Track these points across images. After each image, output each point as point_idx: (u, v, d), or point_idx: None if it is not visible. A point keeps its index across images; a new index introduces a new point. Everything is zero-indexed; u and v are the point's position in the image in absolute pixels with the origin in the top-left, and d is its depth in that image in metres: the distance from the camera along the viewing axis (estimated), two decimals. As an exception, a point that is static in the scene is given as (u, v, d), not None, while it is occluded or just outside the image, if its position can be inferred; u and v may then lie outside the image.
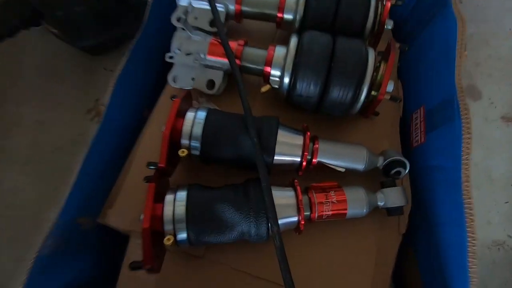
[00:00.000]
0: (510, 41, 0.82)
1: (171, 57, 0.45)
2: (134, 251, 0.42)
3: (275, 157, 0.39)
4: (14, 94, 0.75)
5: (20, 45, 0.78)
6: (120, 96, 0.46)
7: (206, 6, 0.48)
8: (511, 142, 0.71)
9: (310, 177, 0.41)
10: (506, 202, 0.67)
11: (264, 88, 0.45)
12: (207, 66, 0.46)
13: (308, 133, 0.40)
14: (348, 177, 0.41)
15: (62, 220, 0.38)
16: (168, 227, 0.35)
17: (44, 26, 0.70)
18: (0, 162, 0.69)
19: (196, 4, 0.48)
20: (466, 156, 0.39)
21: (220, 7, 0.48)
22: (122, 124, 0.49)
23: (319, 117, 0.47)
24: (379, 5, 0.46)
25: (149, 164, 0.39)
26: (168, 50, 0.49)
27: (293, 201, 0.37)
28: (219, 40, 0.44)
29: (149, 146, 0.46)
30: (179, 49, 0.45)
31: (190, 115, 0.40)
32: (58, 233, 0.38)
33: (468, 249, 0.32)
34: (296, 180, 0.39)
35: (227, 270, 0.41)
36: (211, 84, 0.46)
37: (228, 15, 0.49)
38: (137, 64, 0.50)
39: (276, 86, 0.44)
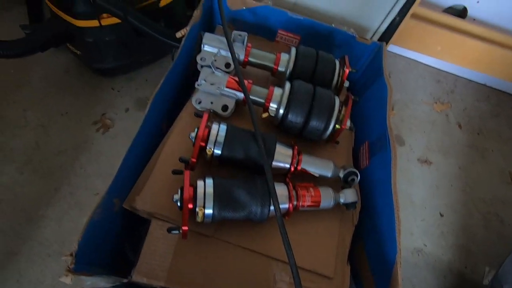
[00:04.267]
0: (422, 107, 1.15)
1: (199, 85, 0.61)
2: (156, 230, 0.52)
3: (273, 163, 0.55)
4: (20, 98, 0.81)
5: (34, 56, 0.86)
6: (153, 111, 0.59)
7: (223, 52, 0.67)
8: (424, 177, 0.98)
9: (293, 178, 0.58)
10: (422, 220, 0.91)
11: (264, 115, 0.62)
12: (223, 95, 0.63)
13: (296, 147, 0.58)
14: (320, 182, 0.59)
15: (108, 196, 0.47)
16: (200, 202, 0.47)
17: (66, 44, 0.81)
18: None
19: (217, 51, 0.66)
20: (394, 171, 0.59)
21: (233, 55, 0.67)
22: (149, 132, 0.61)
23: (300, 141, 0.66)
24: (341, 70, 0.69)
25: (181, 159, 0.52)
26: (186, 79, 0.65)
27: (286, 193, 0.53)
28: (236, 79, 0.62)
29: (171, 148, 0.59)
30: (204, 80, 0.61)
31: (215, 127, 0.54)
32: (103, 206, 0.47)
33: (395, 223, 0.51)
34: (287, 179, 0.55)
35: (232, 248, 0.53)
36: (225, 108, 0.63)
37: (238, 61, 0.68)
38: (166, 88, 0.64)
39: (272, 115, 0.62)
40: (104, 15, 0.73)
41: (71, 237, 0.67)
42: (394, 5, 0.82)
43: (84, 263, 0.44)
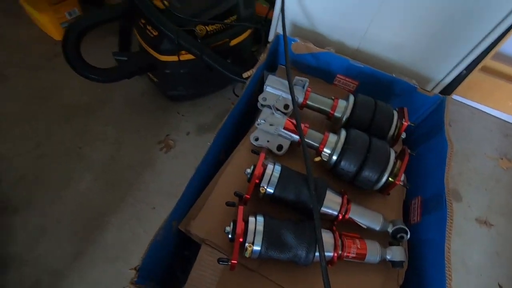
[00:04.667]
0: (485, 161, 1.07)
1: (258, 124, 0.66)
2: (205, 255, 0.56)
3: (322, 208, 0.57)
4: (102, 115, 0.94)
5: (117, 81, 1.00)
6: (215, 143, 0.65)
7: (284, 95, 0.71)
8: (483, 240, 0.90)
9: (340, 226, 0.58)
10: (476, 288, 0.83)
11: (317, 159, 0.65)
12: (279, 135, 0.67)
13: (346, 196, 0.59)
14: (367, 234, 0.58)
15: (169, 219, 0.53)
16: (249, 238, 0.50)
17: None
18: (81, 167, 0.85)
19: (279, 93, 0.71)
20: (449, 234, 0.57)
21: (293, 98, 0.71)
22: (209, 161, 0.67)
23: (350, 188, 0.66)
24: (399, 122, 0.69)
25: (236, 193, 0.56)
26: (246, 115, 0.70)
27: (332, 241, 0.54)
28: (293, 121, 0.66)
29: (227, 179, 0.63)
30: (264, 120, 0.66)
31: (270, 166, 0.58)
32: (165, 227, 0.52)
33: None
34: (334, 227, 0.56)
35: (273, 286, 0.55)
36: (280, 147, 0.66)
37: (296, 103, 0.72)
38: (228, 122, 0.70)
39: (325, 159, 0.64)
40: (183, 52, 0.84)
41: (128, 245, 0.74)
42: (464, 58, 0.80)
43: (143, 277, 0.49)
